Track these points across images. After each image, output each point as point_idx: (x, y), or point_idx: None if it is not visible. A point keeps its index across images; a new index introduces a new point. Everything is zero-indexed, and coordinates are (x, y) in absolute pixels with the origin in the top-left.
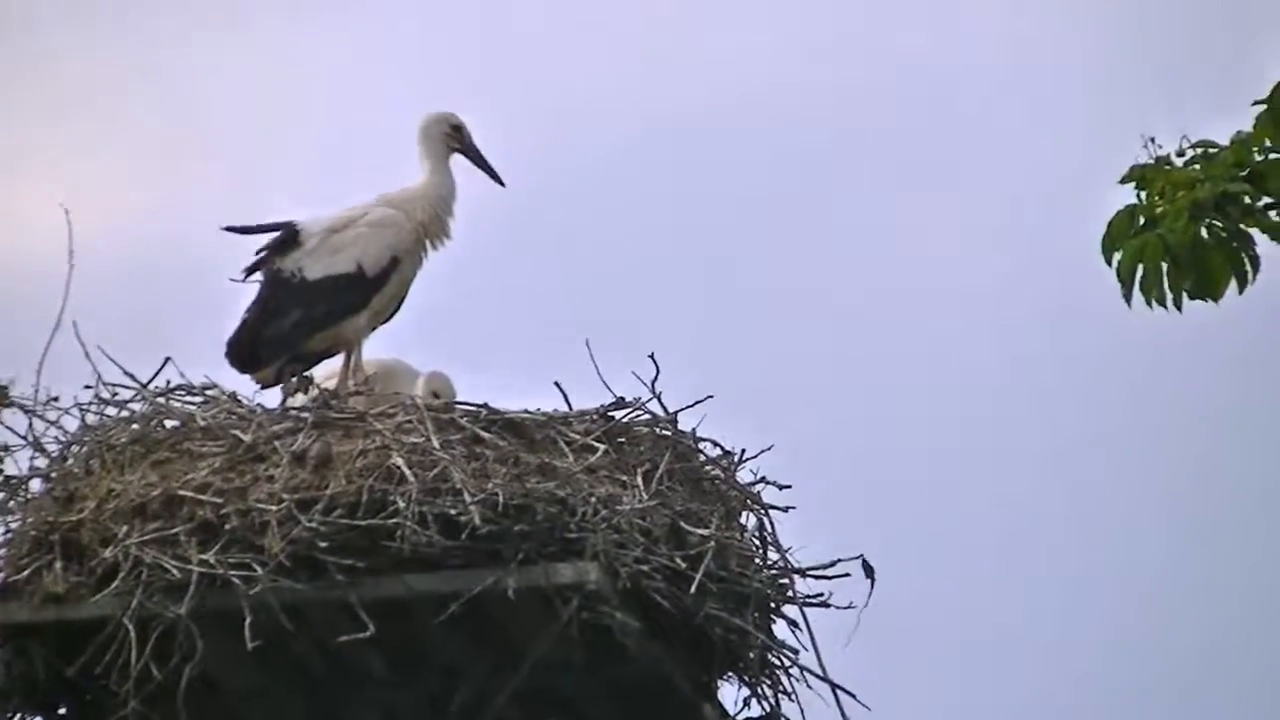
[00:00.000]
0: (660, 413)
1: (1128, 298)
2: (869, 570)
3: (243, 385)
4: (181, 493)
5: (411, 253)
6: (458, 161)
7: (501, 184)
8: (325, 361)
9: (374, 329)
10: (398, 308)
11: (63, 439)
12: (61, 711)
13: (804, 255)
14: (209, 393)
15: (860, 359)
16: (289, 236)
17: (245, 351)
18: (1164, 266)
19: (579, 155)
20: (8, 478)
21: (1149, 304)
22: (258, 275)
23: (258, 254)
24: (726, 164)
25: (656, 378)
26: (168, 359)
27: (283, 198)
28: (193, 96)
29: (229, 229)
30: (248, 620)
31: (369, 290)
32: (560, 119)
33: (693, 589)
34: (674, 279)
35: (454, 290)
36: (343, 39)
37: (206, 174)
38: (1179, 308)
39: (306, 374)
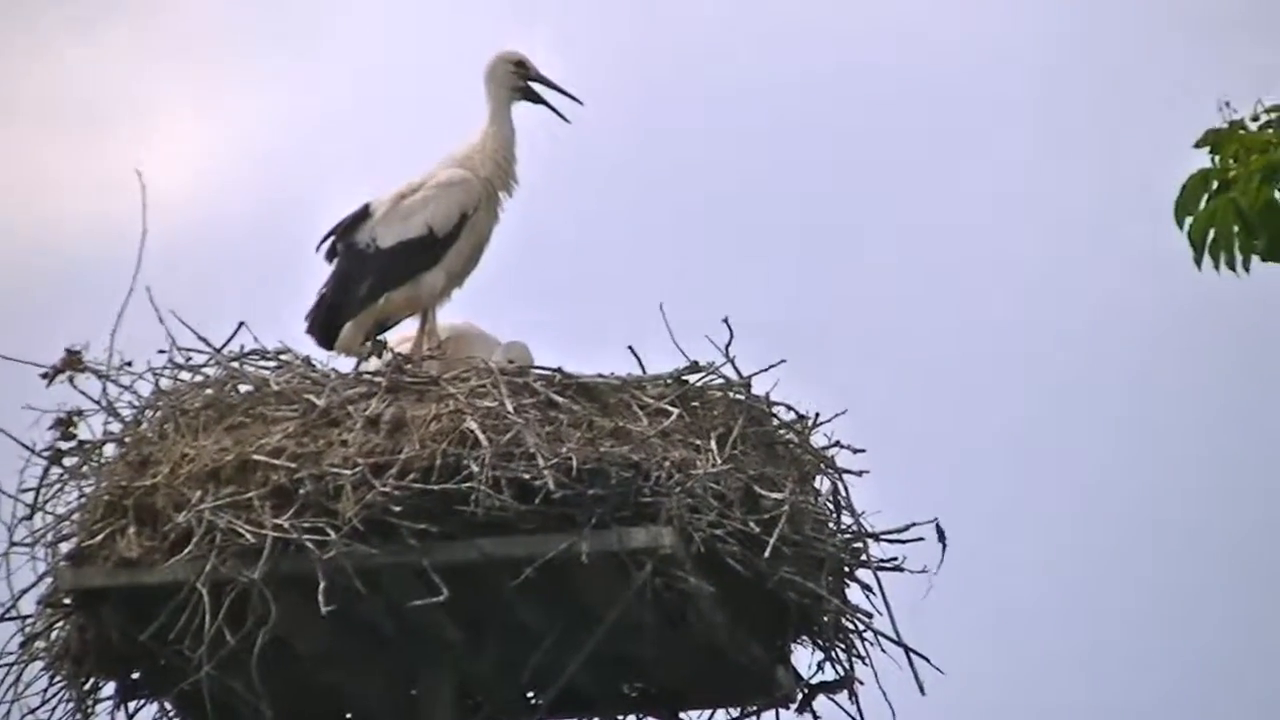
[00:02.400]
0: (734, 377)
1: (1198, 261)
2: (941, 535)
3: (317, 350)
4: (255, 457)
5: (482, 208)
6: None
7: (566, 120)
8: (399, 326)
9: (452, 290)
10: (475, 266)
11: (136, 404)
12: (135, 676)
13: (888, 226)
14: (282, 357)
15: (937, 326)
16: (361, 211)
17: (324, 325)
18: (1235, 230)
19: (667, 115)
20: (81, 442)
21: (1217, 268)
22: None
23: (331, 231)
24: (813, 132)
25: (730, 342)
26: (241, 324)
27: (360, 171)
28: (279, 71)
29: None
30: (321, 585)
31: (441, 249)
32: (658, 79)
33: (766, 553)
34: (752, 243)
35: (528, 253)
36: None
37: (293, 147)
38: (1248, 270)
39: (380, 338)
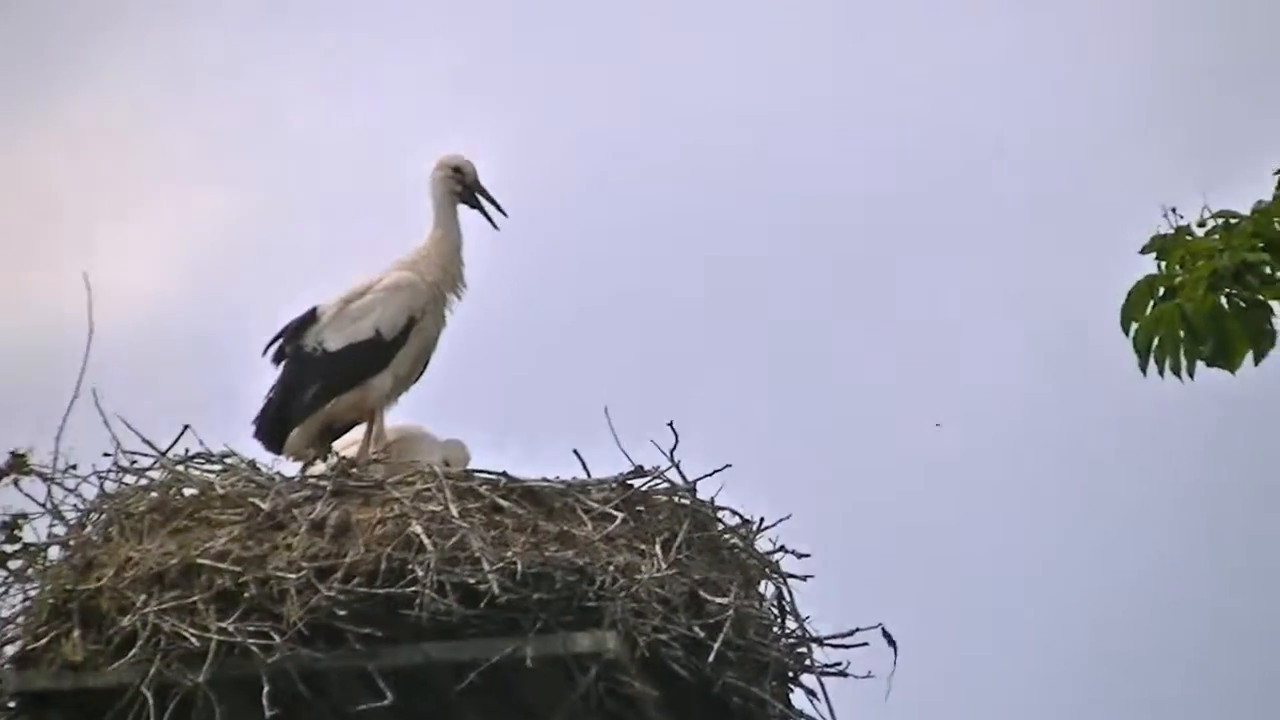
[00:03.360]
0: (679, 481)
1: (1143, 366)
2: (890, 639)
3: (261, 453)
4: (200, 561)
5: (429, 311)
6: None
7: (495, 226)
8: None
9: (400, 393)
10: (424, 369)
11: (81, 506)
12: None
13: (823, 325)
14: (228, 460)
15: (882, 428)
16: (308, 315)
17: (270, 429)
18: (1180, 335)
19: (598, 223)
20: (26, 545)
21: (1161, 373)
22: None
23: (279, 335)
24: (746, 230)
25: (675, 446)
26: (186, 427)
27: (306, 271)
28: (232, 173)
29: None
30: (266, 689)
31: (388, 353)
32: (589, 182)
33: (711, 658)
34: (695, 348)
35: (474, 358)
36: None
37: (236, 250)
38: (1192, 376)
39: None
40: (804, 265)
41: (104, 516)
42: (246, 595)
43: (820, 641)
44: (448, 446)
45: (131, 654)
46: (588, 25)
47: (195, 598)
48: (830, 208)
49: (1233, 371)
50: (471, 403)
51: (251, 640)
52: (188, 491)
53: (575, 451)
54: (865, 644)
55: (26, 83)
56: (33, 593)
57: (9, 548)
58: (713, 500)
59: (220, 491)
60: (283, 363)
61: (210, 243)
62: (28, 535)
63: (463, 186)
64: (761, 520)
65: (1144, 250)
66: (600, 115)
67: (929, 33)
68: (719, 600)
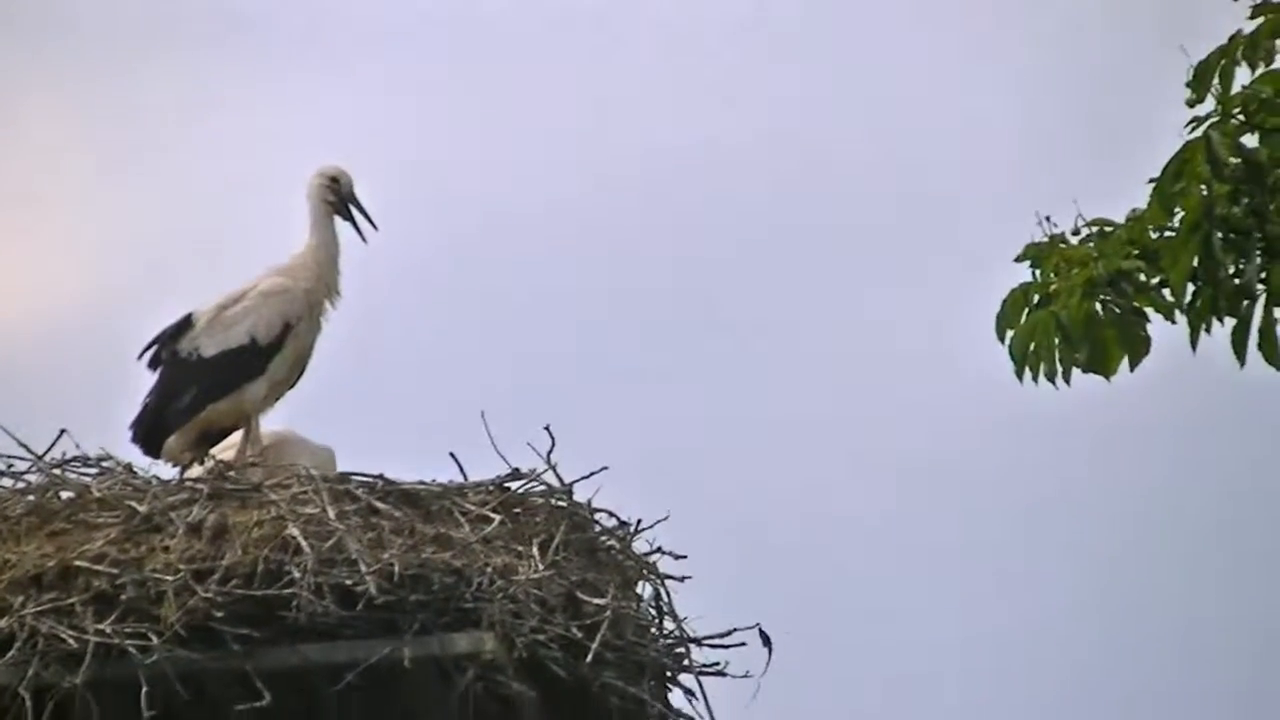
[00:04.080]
0: (556, 484)
1: (1019, 374)
2: (766, 639)
3: (141, 458)
4: (77, 563)
5: (305, 318)
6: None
7: (364, 239)
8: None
9: (276, 399)
10: (300, 375)
11: None
12: None
13: (715, 325)
14: (104, 464)
15: (762, 426)
16: (183, 321)
17: (147, 433)
18: (1056, 343)
19: (474, 218)
20: None
21: (1036, 380)
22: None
23: (154, 341)
24: (618, 227)
25: (552, 449)
26: (63, 431)
27: (190, 279)
28: (108, 177)
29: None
30: (144, 690)
31: (264, 359)
32: (461, 179)
33: (589, 658)
34: (570, 350)
35: (350, 361)
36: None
37: (116, 252)
38: (1068, 383)
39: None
40: (680, 263)
41: None
42: (124, 597)
43: (698, 642)
44: (316, 454)
45: (9, 655)
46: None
47: (73, 600)
48: (703, 206)
49: (1108, 378)
50: (348, 407)
51: (129, 642)
52: (65, 495)
53: (452, 454)
54: (743, 644)
55: None
56: None
57: None
58: (589, 503)
59: (97, 495)
60: (158, 368)
61: (93, 248)
62: None
63: (337, 197)
64: (639, 522)
65: (1019, 258)
66: (468, 111)
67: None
68: (596, 601)
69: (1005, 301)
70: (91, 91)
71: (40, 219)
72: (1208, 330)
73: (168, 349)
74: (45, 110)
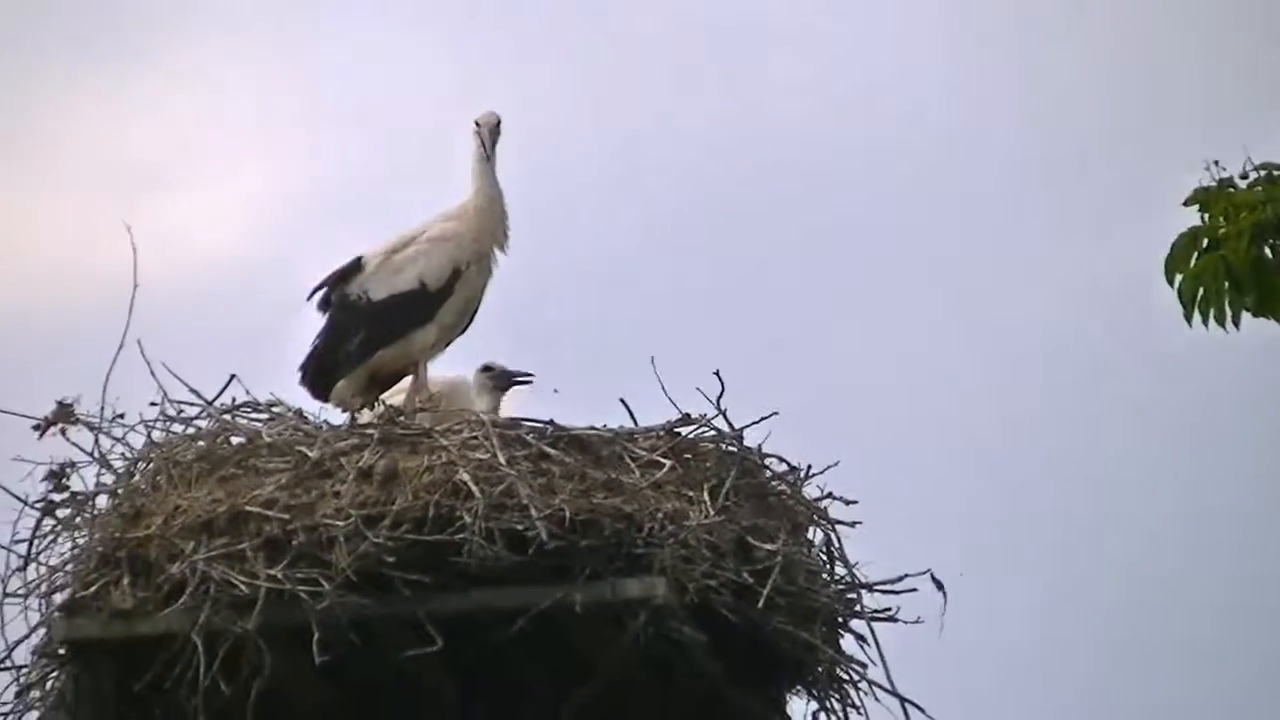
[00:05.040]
0: (726, 429)
1: (1188, 318)
2: (939, 584)
3: (310, 401)
4: (248, 508)
5: (474, 264)
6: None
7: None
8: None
9: (446, 345)
10: (470, 322)
11: (129, 456)
12: None
13: (885, 275)
14: (274, 410)
15: (932, 376)
16: (353, 264)
17: (315, 377)
18: (1225, 286)
19: (651, 168)
20: (74, 494)
21: (1206, 323)
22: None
23: (323, 282)
24: (796, 184)
25: (722, 394)
26: (233, 376)
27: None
28: (275, 125)
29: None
30: (315, 635)
31: (433, 305)
32: (640, 134)
33: (760, 603)
34: (743, 297)
35: (522, 306)
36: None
37: (282, 197)
38: (1237, 326)
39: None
40: (864, 209)
41: (152, 465)
42: (295, 542)
43: (869, 587)
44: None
45: (181, 602)
46: None
47: (244, 545)
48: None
49: (1278, 321)
50: (518, 353)
51: (301, 587)
52: (235, 440)
53: (622, 400)
54: (914, 590)
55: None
56: (81, 541)
57: (57, 497)
58: (760, 447)
59: (267, 440)
60: (328, 310)
61: (262, 200)
62: (76, 484)
63: (482, 143)
64: (809, 467)
65: (1187, 203)
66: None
67: None
68: (767, 546)
69: (1174, 245)
70: (260, 39)
71: (205, 159)
72: None
73: (337, 291)
74: (215, 55)
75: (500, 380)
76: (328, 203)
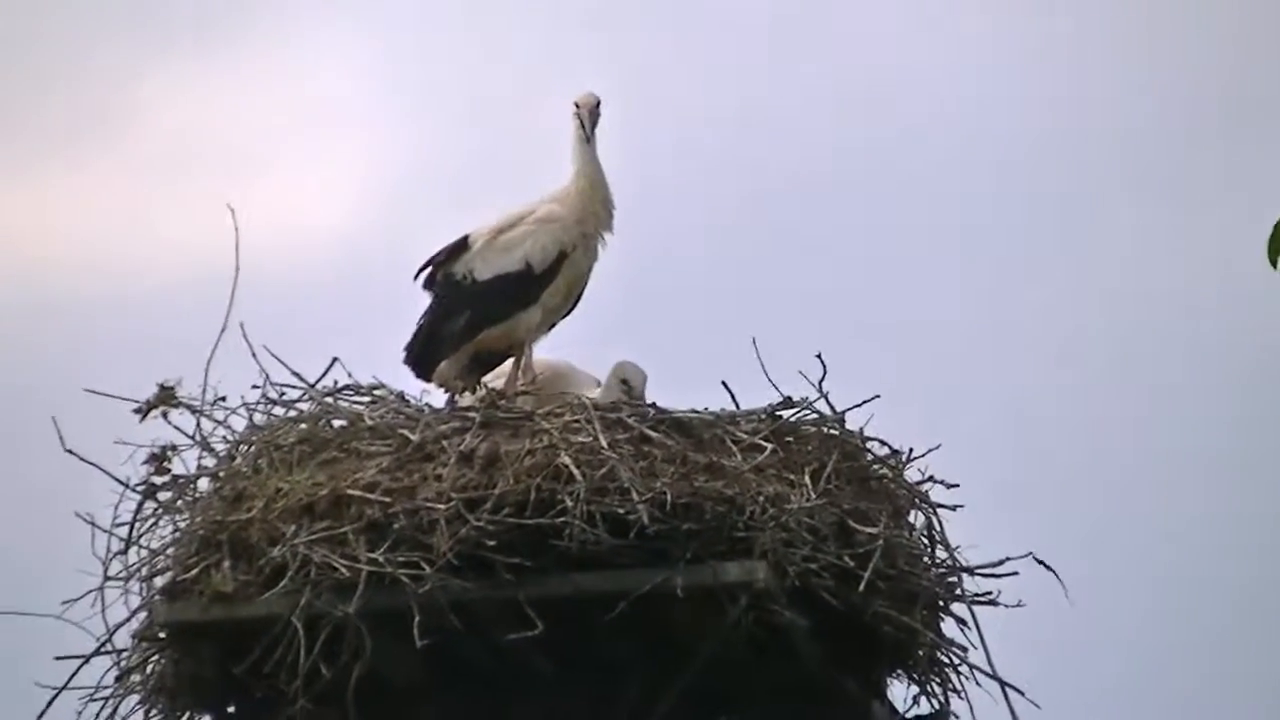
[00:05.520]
0: (827, 412)
1: None
2: (1045, 565)
3: (412, 382)
4: (349, 492)
5: (579, 246)
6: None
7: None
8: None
9: (550, 327)
10: (575, 304)
11: (230, 439)
12: (231, 710)
13: (983, 260)
14: (376, 392)
15: (1032, 360)
16: (459, 243)
17: (419, 356)
18: None
19: (753, 155)
20: (176, 477)
21: None
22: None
23: (429, 261)
24: (897, 168)
25: (824, 377)
26: (335, 359)
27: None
28: (371, 108)
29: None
30: (416, 619)
31: (538, 286)
32: (749, 118)
33: (861, 587)
34: (846, 282)
35: (623, 288)
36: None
37: (385, 179)
38: None
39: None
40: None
41: (253, 448)
42: (396, 526)
43: (970, 571)
44: (621, 366)
45: (281, 585)
46: None
47: (345, 528)
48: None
49: None
50: (621, 336)
51: (402, 571)
52: (336, 423)
53: (724, 383)
54: (1015, 573)
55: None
56: (182, 524)
57: (158, 479)
58: (861, 431)
59: (369, 423)
60: (433, 289)
61: (366, 181)
62: (177, 467)
63: (586, 126)
64: (910, 451)
65: None
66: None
67: None
68: (868, 530)
69: (1277, 227)
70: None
71: (304, 139)
72: None
73: (443, 270)
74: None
75: (632, 398)
76: (432, 183)
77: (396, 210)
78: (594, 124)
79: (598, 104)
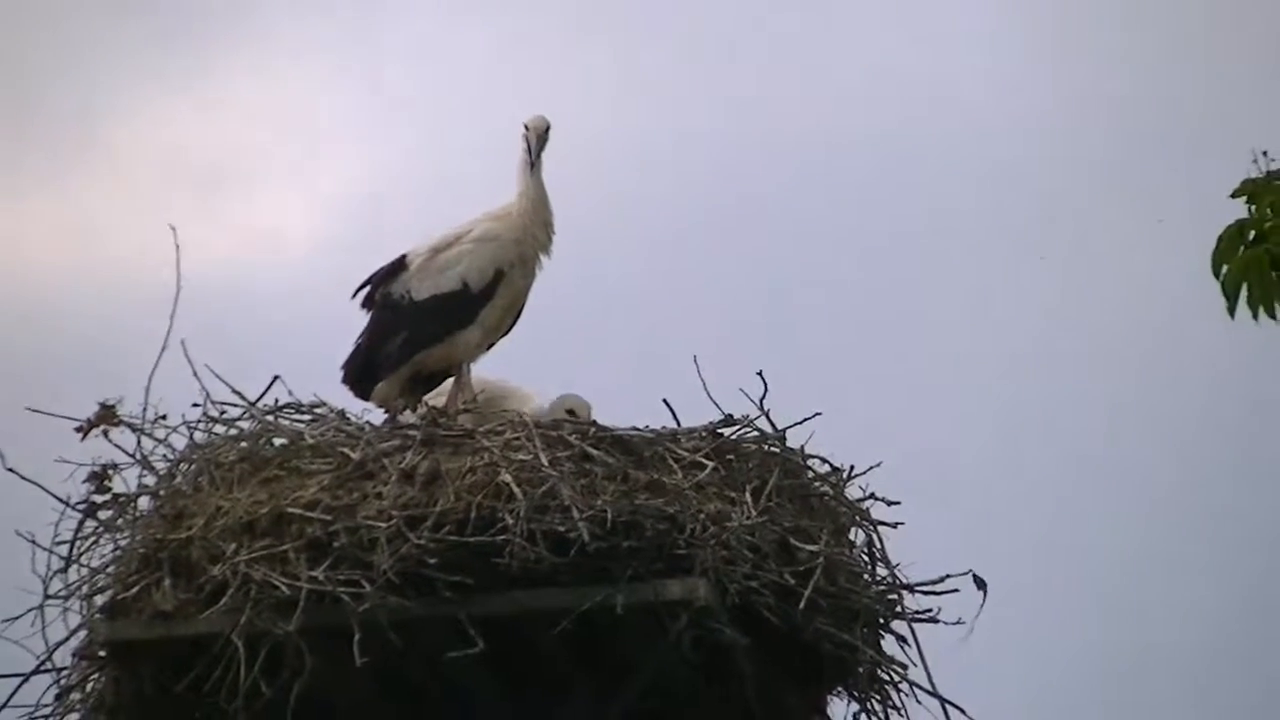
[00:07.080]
0: (768, 430)
1: (1232, 311)
2: (981, 584)
3: (352, 401)
4: (290, 510)
5: (517, 265)
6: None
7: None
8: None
9: (489, 346)
10: (514, 322)
11: (171, 457)
12: None
13: (930, 279)
14: (317, 410)
15: (977, 379)
16: (397, 262)
17: (358, 376)
18: (1273, 278)
19: (692, 169)
20: (116, 495)
21: (1255, 316)
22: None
23: (367, 281)
24: (842, 187)
25: (765, 395)
26: (276, 377)
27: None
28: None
29: None
30: (356, 637)
31: (476, 306)
32: (689, 132)
33: (801, 605)
34: (785, 298)
35: (561, 307)
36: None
37: (319, 198)
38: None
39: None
40: (896, 218)
41: (194, 466)
42: (337, 544)
43: (911, 588)
44: (566, 399)
45: (222, 603)
46: None
47: (286, 546)
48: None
49: None
50: (560, 354)
51: (342, 589)
52: (277, 442)
53: (665, 400)
54: (955, 590)
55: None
56: (123, 543)
57: (99, 498)
58: (802, 448)
59: (310, 441)
60: (371, 309)
61: (323, 200)
62: (118, 485)
63: (531, 149)
64: (852, 468)
65: (1234, 194)
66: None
67: None
68: (809, 547)
69: (1221, 238)
70: (342, 37)
71: (259, 159)
72: None
73: (381, 290)
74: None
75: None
76: (387, 203)
77: (351, 227)
78: (541, 147)
79: (547, 129)
